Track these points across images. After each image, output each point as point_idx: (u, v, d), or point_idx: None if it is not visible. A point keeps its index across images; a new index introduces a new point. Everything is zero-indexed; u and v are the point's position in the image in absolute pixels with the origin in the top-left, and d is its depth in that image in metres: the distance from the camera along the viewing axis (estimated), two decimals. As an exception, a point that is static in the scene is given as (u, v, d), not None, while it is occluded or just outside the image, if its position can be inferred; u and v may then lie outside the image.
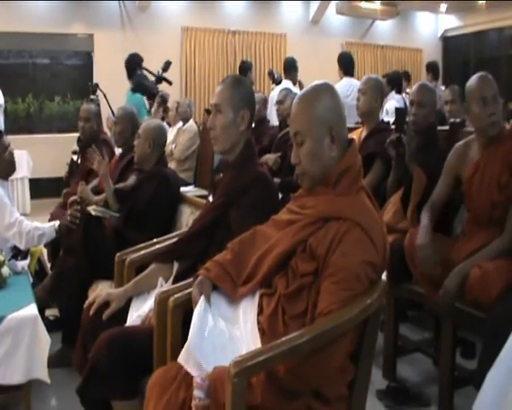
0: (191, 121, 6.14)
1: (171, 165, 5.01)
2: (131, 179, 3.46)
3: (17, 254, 3.13)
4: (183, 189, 3.33)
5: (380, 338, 2.30)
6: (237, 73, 6.84)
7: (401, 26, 11.49)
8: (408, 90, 6.67)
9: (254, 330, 1.65)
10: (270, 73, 6.57)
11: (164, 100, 5.13)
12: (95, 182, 3.87)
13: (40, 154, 7.92)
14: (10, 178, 3.35)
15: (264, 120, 5.26)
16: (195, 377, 1.49)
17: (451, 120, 3.54)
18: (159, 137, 3.21)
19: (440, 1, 10.27)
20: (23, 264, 3.04)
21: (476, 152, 2.64)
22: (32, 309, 2.46)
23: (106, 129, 5.83)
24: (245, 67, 6.59)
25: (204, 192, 4.54)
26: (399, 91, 6.60)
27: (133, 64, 5.21)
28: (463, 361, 3.06)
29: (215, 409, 1.46)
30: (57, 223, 3.13)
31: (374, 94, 3.43)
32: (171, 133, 6.02)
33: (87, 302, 2.26)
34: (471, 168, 2.61)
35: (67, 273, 2.99)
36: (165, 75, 5.30)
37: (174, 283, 2.14)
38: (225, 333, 1.65)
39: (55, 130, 9.17)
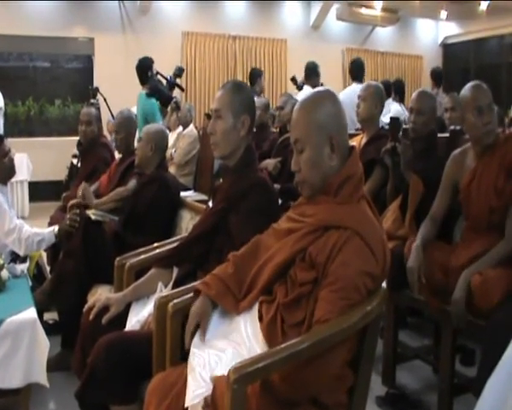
0: (191, 126, 6.12)
1: (171, 169, 5.00)
2: (132, 183, 3.46)
3: (16, 257, 3.12)
4: (182, 193, 3.33)
5: (379, 345, 2.29)
6: (240, 78, 6.80)
7: (401, 33, 11.50)
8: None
9: (256, 333, 1.64)
10: (293, 79, 6.44)
11: (178, 106, 5.13)
12: (95, 186, 3.87)
13: (40, 157, 7.92)
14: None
15: (265, 125, 5.18)
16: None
17: (452, 127, 3.54)
18: (161, 140, 3.22)
19: (441, 8, 10.29)
20: (22, 267, 3.03)
21: (472, 160, 2.64)
22: (31, 313, 2.45)
23: (106, 133, 5.84)
24: (255, 74, 6.41)
25: (204, 197, 4.54)
26: (402, 100, 6.63)
27: (145, 67, 5.07)
28: (463, 368, 3.06)
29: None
30: (56, 227, 3.13)
31: (374, 101, 3.43)
32: (171, 138, 6.00)
33: (86, 306, 2.26)
34: (468, 176, 2.61)
35: (67, 277, 2.99)
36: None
37: (174, 288, 2.13)
38: (225, 352, 1.63)
39: (55, 133, 9.17)
